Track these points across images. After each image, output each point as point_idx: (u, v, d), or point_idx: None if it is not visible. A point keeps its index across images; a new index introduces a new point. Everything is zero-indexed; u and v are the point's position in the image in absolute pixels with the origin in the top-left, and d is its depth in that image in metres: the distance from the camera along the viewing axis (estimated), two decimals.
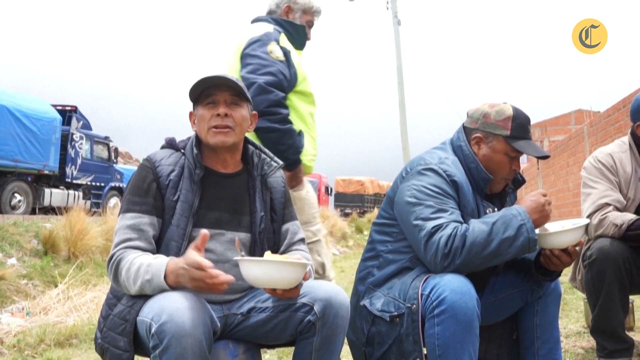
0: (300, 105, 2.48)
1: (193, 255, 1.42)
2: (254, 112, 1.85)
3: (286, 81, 2.36)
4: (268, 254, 1.54)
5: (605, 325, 2.33)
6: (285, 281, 1.48)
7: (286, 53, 2.42)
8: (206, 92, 1.71)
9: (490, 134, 1.91)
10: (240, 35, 2.47)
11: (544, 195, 1.76)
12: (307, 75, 2.52)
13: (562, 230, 1.80)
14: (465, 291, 1.60)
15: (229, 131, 1.70)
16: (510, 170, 1.93)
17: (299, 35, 2.54)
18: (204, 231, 1.47)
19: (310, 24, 2.60)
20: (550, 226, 1.84)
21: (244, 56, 2.38)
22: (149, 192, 1.65)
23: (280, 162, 1.85)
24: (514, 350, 2.05)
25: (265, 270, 1.46)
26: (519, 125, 1.89)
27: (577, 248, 1.83)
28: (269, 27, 2.45)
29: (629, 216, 2.32)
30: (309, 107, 2.51)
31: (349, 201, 31.80)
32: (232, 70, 2.44)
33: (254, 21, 2.59)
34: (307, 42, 2.64)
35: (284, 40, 2.47)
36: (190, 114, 1.79)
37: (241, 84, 1.74)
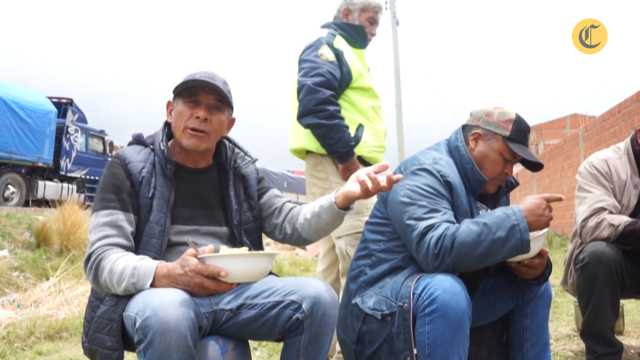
0: (358, 100, 2.61)
1: (200, 264, 1.44)
2: (234, 117, 1.84)
3: (336, 80, 2.52)
4: (224, 249, 1.50)
5: (595, 329, 2.34)
6: (252, 273, 1.48)
7: (338, 54, 2.57)
8: (191, 89, 1.69)
9: (490, 132, 1.93)
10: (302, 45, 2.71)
11: (549, 201, 1.74)
12: (365, 72, 2.63)
13: None
14: (457, 291, 1.60)
15: (204, 136, 1.69)
16: (502, 172, 1.94)
17: (358, 35, 2.68)
18: (211, 247, 1.49)
19: (372, 21, 2.71)
20: None
21: (300, 61, 2.60)
22: (123, 189, 1.61)
23: (254, 158, 1.85)
24: (504, 352, 2.05)
25: (229, 265, 1.45)
26: (519, 129, 1.92)
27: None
28: (323, 32, 2.66)
29: (626, 218, 2.33)
30: (369, 101, 2.64)
31: None
32: (294, 75, 2.63)
33: (322, 27, 2.77)
34: (373, 38, 2.77)
35: (339, 42, 2.62)
36: (169, 103, 1.78)
37: (227, 89, 1.73)
